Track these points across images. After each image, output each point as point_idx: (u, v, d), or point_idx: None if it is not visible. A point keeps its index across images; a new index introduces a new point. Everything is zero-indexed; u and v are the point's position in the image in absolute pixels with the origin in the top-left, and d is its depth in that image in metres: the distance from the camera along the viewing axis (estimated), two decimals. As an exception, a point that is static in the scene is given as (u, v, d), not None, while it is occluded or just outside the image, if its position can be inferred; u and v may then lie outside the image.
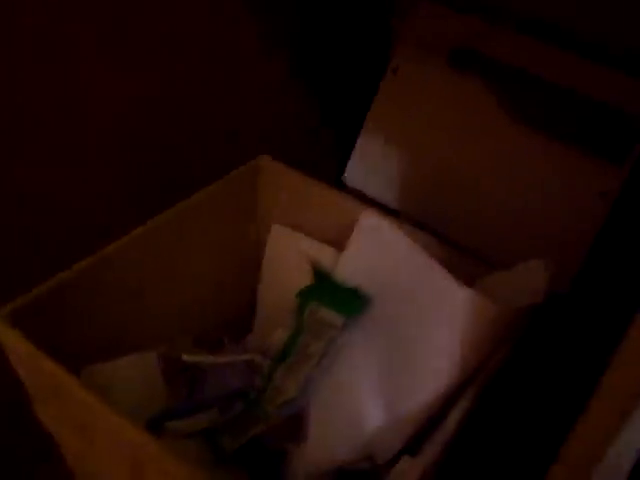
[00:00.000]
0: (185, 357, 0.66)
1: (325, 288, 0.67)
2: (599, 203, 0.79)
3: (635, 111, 0.78)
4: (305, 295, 0.67)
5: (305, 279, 0.71)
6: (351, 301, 0.65)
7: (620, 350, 0.39)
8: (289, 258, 0.74)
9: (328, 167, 0.91)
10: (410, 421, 0.65)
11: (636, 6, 0.76)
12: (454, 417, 0.58)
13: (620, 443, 0.49)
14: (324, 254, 0.71)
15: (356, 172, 0.92)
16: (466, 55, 0.87)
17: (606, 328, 0.57)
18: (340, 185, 0.92)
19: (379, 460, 0.67)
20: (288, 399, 0.65)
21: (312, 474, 0.65)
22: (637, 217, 0.81)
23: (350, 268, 0.68)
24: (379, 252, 0.67)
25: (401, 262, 0.65)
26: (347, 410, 0.66)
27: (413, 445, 0.64)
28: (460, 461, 0.66)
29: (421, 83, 0.89)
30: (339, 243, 0.71)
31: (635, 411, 0.45)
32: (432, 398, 0.64)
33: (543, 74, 0.83)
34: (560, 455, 0.43)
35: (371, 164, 0.90)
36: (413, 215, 0.85)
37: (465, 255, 0.73)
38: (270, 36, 0.83)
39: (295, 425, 0.66)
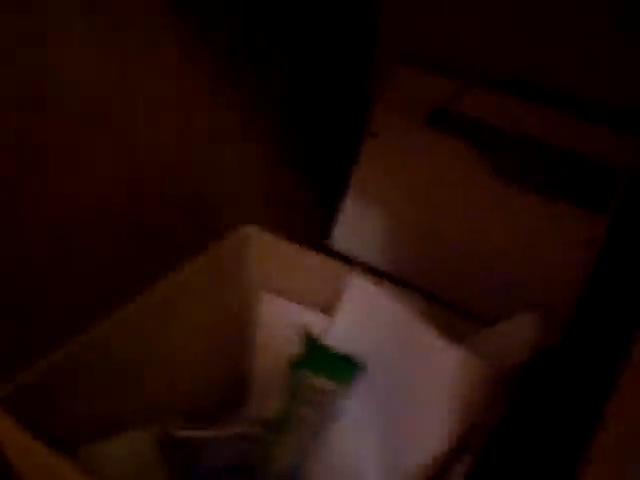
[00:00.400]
0: (182, 433, 0.65)
1: (317, 355, 0.67)
2: (584, 252, 0.80)
3: (614, 160, 0.79)
4: (297, 363, 0.67)
5: (297, 347, 0.71)
6: (343, 367, 0.65)
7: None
8: (280, 326, 0.74)
9: (311, 232, 0.92)
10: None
11: (613, 60, 0.79)
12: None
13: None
14: (315, 320, 0.71)
15: (342, 235, 0.92)
16: (444, 115, 0.88)
17: (598, 378, 0.57)
18: (323, 249, 0.92)
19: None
20: (286, 469, 0.64)
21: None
22: (622, 264, 0.82)
23: (341, 333, 0.68)
24: (369, 316, 0.67)
25: (392, 325, 0.65)
26: (343, 477, 0.65)
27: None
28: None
29: (401, 145, 0.90)
30: (329, 308, 0.71)
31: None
32: (428, 462, 0.63)
33: (522, 130, 0.84)
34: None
35: (356, 227, 0.91)
36: (400, 275, 0.85)
37: (454, 313, 0.73)
38: (250, 104, 0.85)
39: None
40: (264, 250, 0.76)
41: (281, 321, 0.74)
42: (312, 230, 0.95)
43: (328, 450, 0.66)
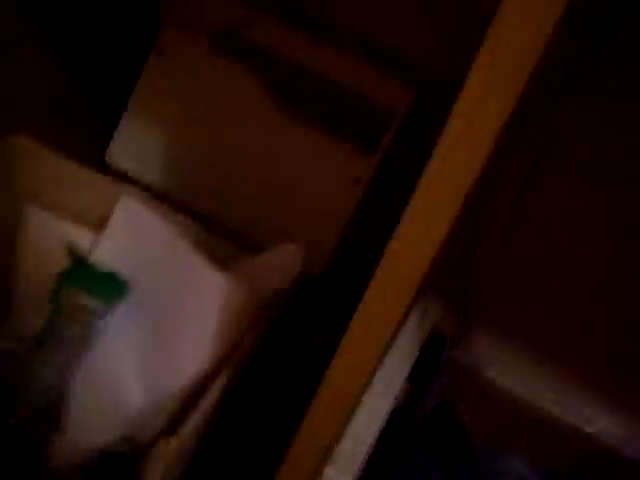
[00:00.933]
0: None
1: (82, 272, 0.66)
2: (353, 189, 0.84)
3: (390, 104, 0.83)
4: (61, 280, 0.66)
5: (61, 263, 0.69)
6: (109, 286, 0.65)
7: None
8: (47, 243, 0.72)
9: (90, 148, 0.89)
10: (168, 403, 0.66)
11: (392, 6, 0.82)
12: (210, 397, 0.60)
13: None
14: (83, 238, 0.70)
15: (119, 153, 0.91)
16: (233, 40, 0.88)
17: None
18: (104, 167, 0.90)
19: (139, 442, 0.68)
20: (46, 386, 0.64)
21: (72, 459, 0.64)
22: (388, 203, 0.87)
23: (108, 252, 0.67)
24: (137, 236, 0.67)
25: (159, 247, 0.66)
26: (106, 394, 0.66)
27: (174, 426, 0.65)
28: (218, 439, 0.68)
29: (185, 66, 0.90)
30: (99, 227, 0.70)
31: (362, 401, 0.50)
32: (190, 380, 0.66)
33: (304, 63, 0.86)
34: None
35: (135, 146, 0.89)
36: (177, 197, 0.86)
37: (225, 238, 0.75)
38: (26, 14, 0.80)
39: (56, 411, 0.65)
40: (33, 162, 0.73)
41: (48, 237, 0.72)
42: (91, 146, 0.92)
43: (91, 368, 0.66)
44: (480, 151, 0.38)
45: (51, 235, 0.71)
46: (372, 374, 0.52)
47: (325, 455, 0.47)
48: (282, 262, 0.70)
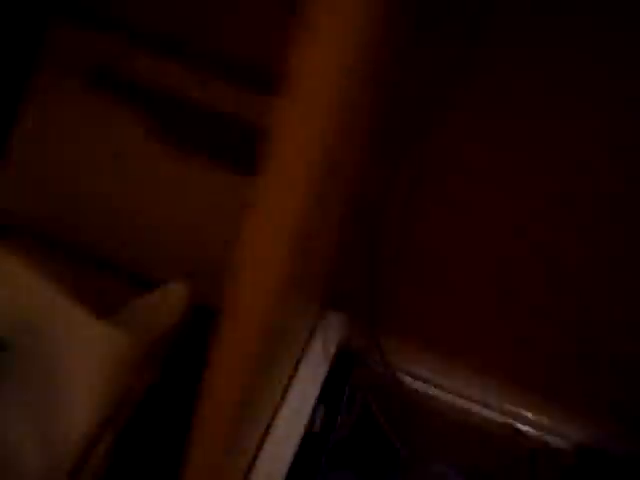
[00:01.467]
0: None
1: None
2: (242, 213, 0.83)
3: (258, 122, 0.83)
4: None
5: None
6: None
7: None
8: None
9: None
10: (68, 460, 0.64)
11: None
12: (99, 450, 0.58)
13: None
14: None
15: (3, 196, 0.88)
16: (107, 76, 0.87)
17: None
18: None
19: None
20: None
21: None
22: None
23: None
24: (10, 291, 0.64)
25: (33, 299, 0.63)
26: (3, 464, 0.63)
27: None
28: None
29: (61, 105, 0.88)
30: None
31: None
32: (86, 434, 0.63)
33: (177, 92, 0.85)
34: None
35: (18, 189, 0.87)
36: (58, 239, 0.83)
37: (114, 280, 0.73)
38: None
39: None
40: None
41: None
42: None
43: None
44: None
45: None
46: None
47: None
48: (170, 301, 0.68)
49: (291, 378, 0.81)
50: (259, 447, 0.73)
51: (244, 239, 0.37)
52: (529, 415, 0.99)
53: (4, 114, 0.89)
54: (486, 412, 0.99)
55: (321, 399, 0.83)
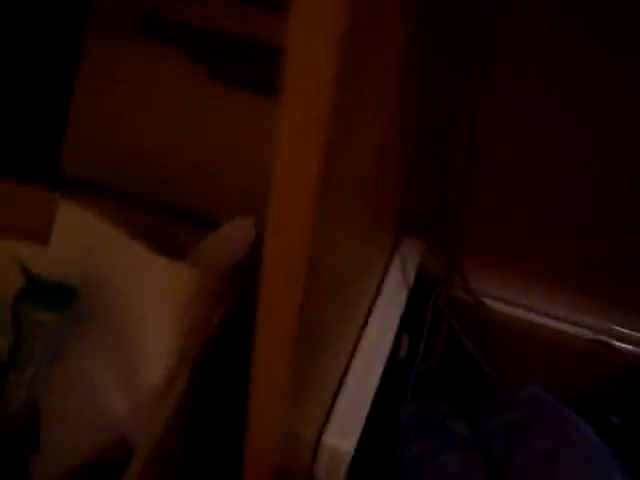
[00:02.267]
0: None
1: (34, 288, 0.64)
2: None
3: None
4: (17, 299, 0.64)
5: (19, 282, 0.68)
6: (61, 296, 0.63)
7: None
8: (1, 264, 0.70)
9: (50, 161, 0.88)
10: (150, 399, 0.65)
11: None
12: (178, 386, 0.58)
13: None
14: (30, 252, 0.68)
15: (71, 159, 0.89)
16: (155, 22, 0.86)
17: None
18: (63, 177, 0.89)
19: (133, 445, 0.67)
20: (17, 407, 0.63)
21: (56, 477, 0.63)
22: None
23: (56, 262, 0.66)
24: (82, 240, 0.65)
25: (105, 246, 0.64)
26: (82, 404, 0.65)
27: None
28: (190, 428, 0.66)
29: (116, 57, 0.87)
30: (46, 238, 0.69)
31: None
32: (164, 370, 0.64)
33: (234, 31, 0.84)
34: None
35: (84, 148, 0.88)
36: (129, 190, 0.84)
37: (180, 223, 0.73)
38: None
39: (32, 432, 0.64)
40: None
41: (1, 258, 0.70)
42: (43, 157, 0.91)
43: (63, 381, 0.65)
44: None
45: (6, 257, 0.70)
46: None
47: (287, 407, 0.45)
48: (236, 236, 0.68)
49: (371, 307, 0.80)
50: (343, 376, 0.72)
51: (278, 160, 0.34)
52: (622, 330, 0.96)
53: (62, 77, 0.90)
54: (576, 330, 0.96)
55: (403, 327, 0.81)
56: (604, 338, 0.95)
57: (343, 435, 0.67)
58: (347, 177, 0.43)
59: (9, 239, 0.71)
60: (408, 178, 0.87)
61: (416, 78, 0.71)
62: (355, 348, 0.75)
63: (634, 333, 0.95)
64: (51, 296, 0.63)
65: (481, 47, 0.80)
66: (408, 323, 0.83)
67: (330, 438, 0.66)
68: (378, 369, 0.74)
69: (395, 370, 0.79)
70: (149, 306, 0.63)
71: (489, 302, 0.97)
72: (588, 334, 0.95)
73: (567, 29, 0.79)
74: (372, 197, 0.63)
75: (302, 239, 0.33)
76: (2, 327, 0.67)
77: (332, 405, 0.69)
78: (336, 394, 0.70)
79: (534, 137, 0.86)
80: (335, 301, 0.57)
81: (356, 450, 0.68)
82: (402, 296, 0.83)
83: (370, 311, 0.79)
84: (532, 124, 0.85)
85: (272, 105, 0.81)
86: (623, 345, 0.95)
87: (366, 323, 0.78)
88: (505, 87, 0.83)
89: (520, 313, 0.97)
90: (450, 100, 0.83)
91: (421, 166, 0.87)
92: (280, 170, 0.33)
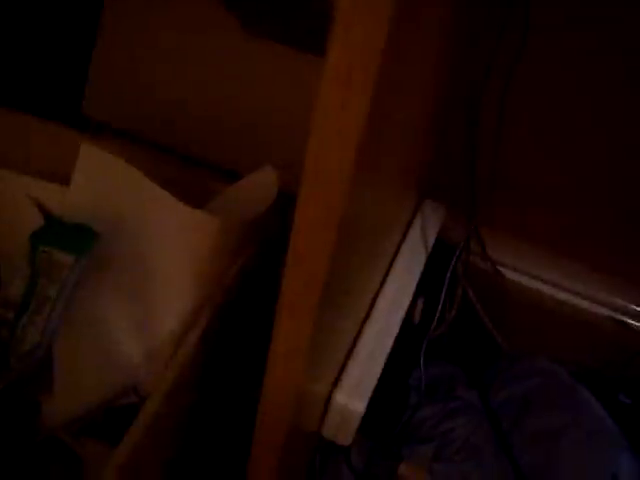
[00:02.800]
0: None
1: (53, 229, 0.64)
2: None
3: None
4: (35, 239, 0.64)
5: (37, 222, 0.67)
6: (79, 238, 0.62)
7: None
8: (16, 203, 0.69)
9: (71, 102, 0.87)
10: (164, 347, 0.65)
11: None
12: (192, 336, 0.58)
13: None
14: (51, 192, 0.67)
15: (93, 102, 0.88)
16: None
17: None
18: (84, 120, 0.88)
19: (144, 391, 0.67)
20: (31, 348, 0.62)
21: (68, 418, 0.63)
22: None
23: (76, 204, 0.65)
24: (103, 183, 0.64)
25: (125, 190, 0.63)
26: (96, 348, 0.64)
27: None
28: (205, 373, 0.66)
29: (144, 3, 0.86)
30: (67, 179, 0.68)
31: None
32: (180, 319, 0.64)
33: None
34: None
35: (105, 92, 0.86)
36: (150, 137, 0.83)
37: (202, 172, 0.72)
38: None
39: (45, 372, 0.64)
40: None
41: (18, 197, 0.69)
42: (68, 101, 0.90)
43: (76, 323, 0.64)
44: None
45: (20, 194, 0.69)
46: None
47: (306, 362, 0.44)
48: (259, 187, 0.67)
49: (389, 268, 0.79)
50: (357, 336, 0.71)
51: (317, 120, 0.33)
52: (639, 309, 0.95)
53: (87, 23, 0.88)
54: (592, 306, 0.95)
55: (420, 290, 0.80)
56: (621, 317, 0.94)
57: (355, 395, 0.66)
58: (383, 134, 0.42)
59: (28, 177, 0.70)
60: (437, 142, 0.85)
61: (452, 42, 0.69)
62: (371, 308, 0.74)
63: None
64: (70, 238, 0.62)
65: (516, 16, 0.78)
66: (424, 286, 0.82)
67: (342, 398, 0.66)
68: (393, 332, 0.73)
69: (408, 333, 0.78)
70: (168, 252, 0.62)
71: (506, 272, 0.96)
72: (605, 312, 0.94)
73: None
74: (401, 156, 0.62)
75: (340, 187, 0.33)
76: (18, 266, 0.67)
77: (344, 365, 0.68)
78: (349, 354, 0.69)
79: (563, 112, 0.85)
80: (357, 256, 0.56)
81: (366, 411, 0.68)
82: (421, 259, 0.82)
83: (388, 272, 0.78)
84: (561, 102, 0.84)
85: (302, 58, 0.80)
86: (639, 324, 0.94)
87: (384, 283, 0.77)
88: (540, 56, 0.81)
89: (537, 285, 0.96)
90: (483, 68, 0.81)
91: (450, 132, 0.85)
92: (322, 121, 0.32)
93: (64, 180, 0.69)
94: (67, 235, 0.63)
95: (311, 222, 0.34)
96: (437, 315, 0.81)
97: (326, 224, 0.34)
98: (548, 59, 0.82)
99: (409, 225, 0.85)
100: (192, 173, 0.72)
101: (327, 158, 0.33)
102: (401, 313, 0.75)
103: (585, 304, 0.95)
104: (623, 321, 0.94)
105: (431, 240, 0.84)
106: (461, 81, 0.83)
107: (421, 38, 0.45)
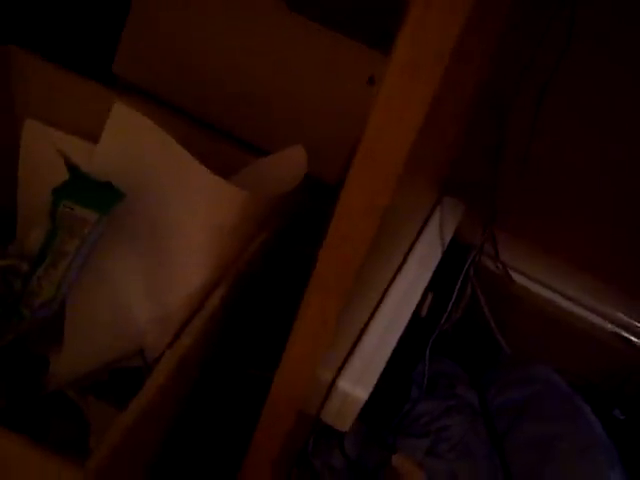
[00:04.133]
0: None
1: (77, 184, 0.63)
2: (367, 89, 0.80)
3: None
4: (58, 193, 0.63)
5: (60, 176, 0.67)
6: (103, 196, 0.62)
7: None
8: (44, 155, 0.69)
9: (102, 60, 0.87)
10: (175, 315, 0.65)
11: None
12: (210, 304, 0.58)
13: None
14: (79, 148, 0.67)
15: (124, 64, 0.87)
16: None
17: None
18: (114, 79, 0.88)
19: (150, 356, 0.67)
20: (45, 300, 0.62)
21: (74, 375, 0.63)
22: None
23: (103, 162, 0.65)
24: (132, 144, 0.64)
25: (154, 153, 0.63)
26: (108, 307, 0.64)
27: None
28: (219, 344, 0.66)
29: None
30: (96, 137, 0.68)
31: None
32: (195, 289, 0.63)
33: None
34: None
35: (138, 55, 0.86)
36: (181, 104, 0.82)
37: (231, 145, 0.72)
38: None
39: (57, 327, 0.64)
40: (26, 73, 0.70)
41: (45, 150, 0.69)
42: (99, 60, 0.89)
43: (91, 281, 0.64)
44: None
45: (48, 147, 0.68)
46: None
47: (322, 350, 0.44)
48: (287, 165, 0.66)
49: (403, 261, 0.79)
50: (366, 325, 0.71)
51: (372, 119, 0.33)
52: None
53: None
54: (598, 320, 0.95)
55: (431, 286, 0.80)
56: (625, 333, 0.94)
57: (359, 383, 0.66)
58: (430, 128, 0.42)
59: (59, 131, 0.70)
60: (464, 141, 0.85)
61: (495, 42, 0.69)
62: (382, 299, 0.74)
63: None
64: (94, 195, 0.62)
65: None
66: (436, 283, 0.82)
67: (345, 384, 0.66)
68: (401, 325, 0.74)
69: (415, 327, 0.78)
70: (191, 220, 0.62)
71: (516, 277, 0.96)
72: (610, 327, 0.95)
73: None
74: (436, 151, 0.61)
75: (393, 175, 0.32)
76: (38, 218, 0.66)
77: (351, 352, 0.68)
78: (357, 342, 0.70)
79: (592, 127, 0.85)
80: (379, 247, 0.56)
81: (367, 400, 0.68)
82: (436, 255, 0.82)
83: (402, 264, 0.78)
84: (591, 117, 0.84)
85: (343, 43, 0.79)
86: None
87: (397, 275, 0.77)
88: (581, 59, 0.81)
89: (545, 293, 0.96)
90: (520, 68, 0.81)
91: (476, 133, 0.85)
92: (384, 110, 0.32)
93: (91, 136, 0.69)
94: (92, 192, 0.63)
95: (357, 207, 0.34)
96: (447, 313, 0.81)
97: (371, 210, 0.34)
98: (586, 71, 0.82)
99: (427, 220, 0.84)
100: (220, 144, 0.71)
101: (384, 146, 0.33)
102: (411, 307, 0.75)
103: (591, 317, 0.95)
104: (627, 338, 0.94)
105: (447, 238, 0.84)
106: (494, 83, 0.83)
107: (478, 40, 0.45)
